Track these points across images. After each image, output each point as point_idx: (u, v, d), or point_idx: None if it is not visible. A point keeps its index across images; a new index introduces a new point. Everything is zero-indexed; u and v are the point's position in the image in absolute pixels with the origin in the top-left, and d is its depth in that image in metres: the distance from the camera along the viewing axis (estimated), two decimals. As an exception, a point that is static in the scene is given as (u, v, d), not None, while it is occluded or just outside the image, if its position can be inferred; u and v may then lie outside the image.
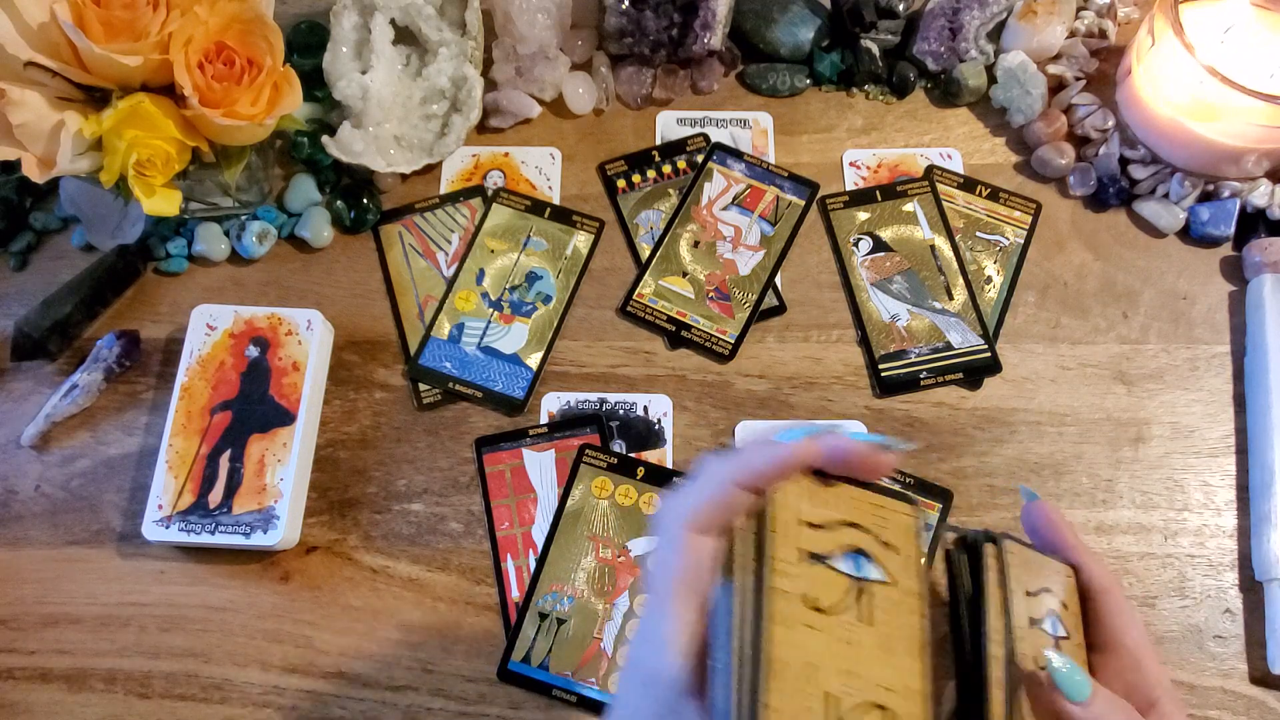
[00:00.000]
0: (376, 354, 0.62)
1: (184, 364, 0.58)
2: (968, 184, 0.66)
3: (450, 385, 0.60)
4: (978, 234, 0.65)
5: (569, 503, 0.57)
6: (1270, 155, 0.62)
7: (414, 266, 0.64)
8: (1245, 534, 0.56)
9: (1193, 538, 0.57)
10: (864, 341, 0.62)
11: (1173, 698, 0.34)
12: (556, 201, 0.66)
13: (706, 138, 0.68)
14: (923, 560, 0.33)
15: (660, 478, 0.57)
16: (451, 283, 0.63)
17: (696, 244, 0.64)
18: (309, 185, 0.66)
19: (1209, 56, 0.58)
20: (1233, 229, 0.63)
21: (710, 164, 0.67)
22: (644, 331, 0.62)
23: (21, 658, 0.54)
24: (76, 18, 0.51)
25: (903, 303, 0.62)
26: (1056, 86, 0.68)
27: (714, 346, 0.61)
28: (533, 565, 0.56)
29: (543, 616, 0.54)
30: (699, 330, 0.62)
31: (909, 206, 0.65)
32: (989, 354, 0.61)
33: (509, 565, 0.56)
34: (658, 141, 0.68)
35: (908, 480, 0.57)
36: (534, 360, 0.61)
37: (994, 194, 0.66)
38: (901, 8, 0.70)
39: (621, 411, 0.60)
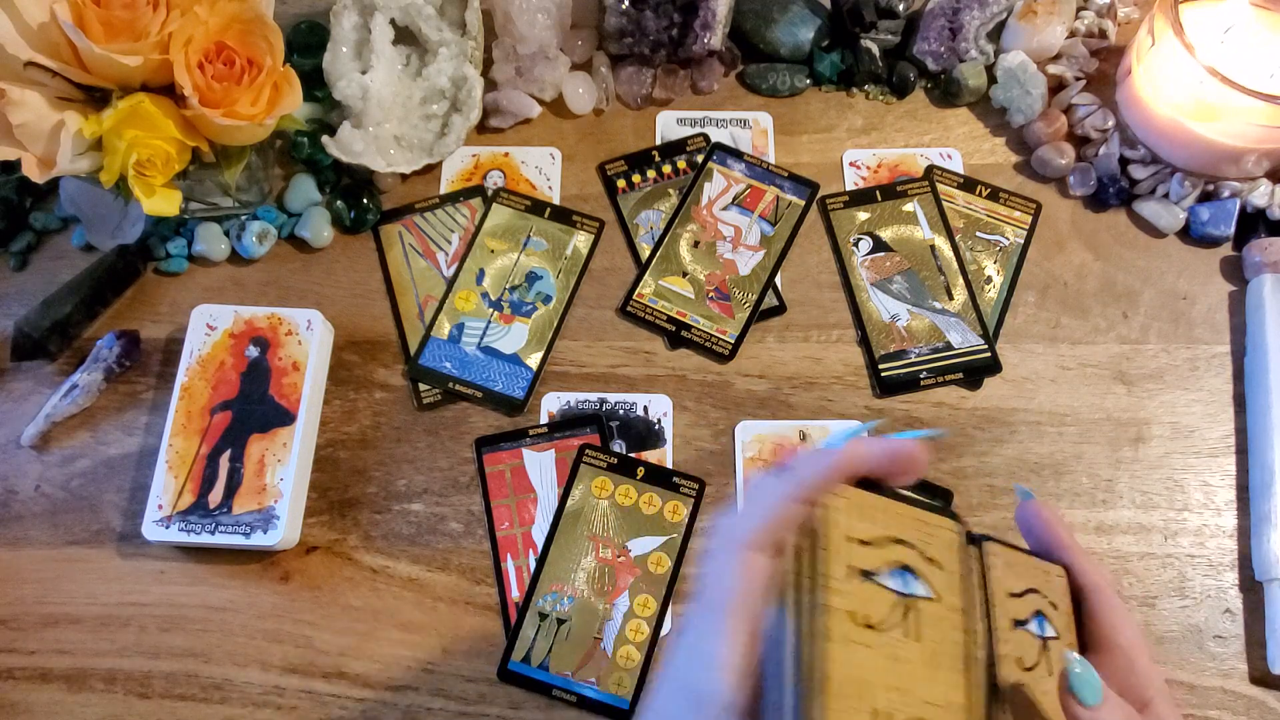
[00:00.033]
0: (376, 354, 0.62)
1: (184, 364, 0.58)
2: (968, 184, 0.66)
3: (450, 385, 0.60)
4: (978, 234, 0.65)
5: (569, 503, 0.57)
6: (1270, 155, 0.62)
7: (414, 266, 0.64)
8: (1245, 534, 0.56)
9: (1193, 538, 0.57)
10: (864, 341, 0.62)
11: (1166, 698, 0.34)
12: (556, 201, 0.66)
13: (706, 138, 0.68)
14: (965, 576, 0.33)
15: (660, 478, 0.57)
16: (451, 283, 0.63)
17: (696, 244, 0.64)
18: (309, 185, 0.66)
19: (1209, 56, 0.58)
20: (1233, 229, 0.63)
21: (710, 164, 0.67)
22: (644, 331, 0.62)
23: (21, 658, 0.55)
24: (76, 18, 0.51)
25: (903, 303, 0.62)
26: (1056, 86, 0.68)
27: (714, 346, 0.61)
28: (533, 565, 0.56)
29: (543, 616, 0.54)
30: (699, 330, 0.62)
31: (909, 206, 0.65)
32: (989, 354, 0.61)
33: (509, 565, 0.56)
34: (658, 141, 0.68)
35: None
36: (534, 360, 0.61)
37: (994, 194, 0.66)
38: (901, 8, 0.70)
39: (621, 411, 0.60)
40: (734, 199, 0.66)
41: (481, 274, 0.64)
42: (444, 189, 0.67)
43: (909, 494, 0.34)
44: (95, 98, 0.55)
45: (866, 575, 0.31)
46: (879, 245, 0.64)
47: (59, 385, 0.60)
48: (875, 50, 0.69)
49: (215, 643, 0.55)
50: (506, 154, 0.68)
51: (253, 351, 0.59)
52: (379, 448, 0.59)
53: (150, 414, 0.60)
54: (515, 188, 0.67)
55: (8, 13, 0.51)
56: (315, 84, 0.65)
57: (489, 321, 0.62)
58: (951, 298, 0.62)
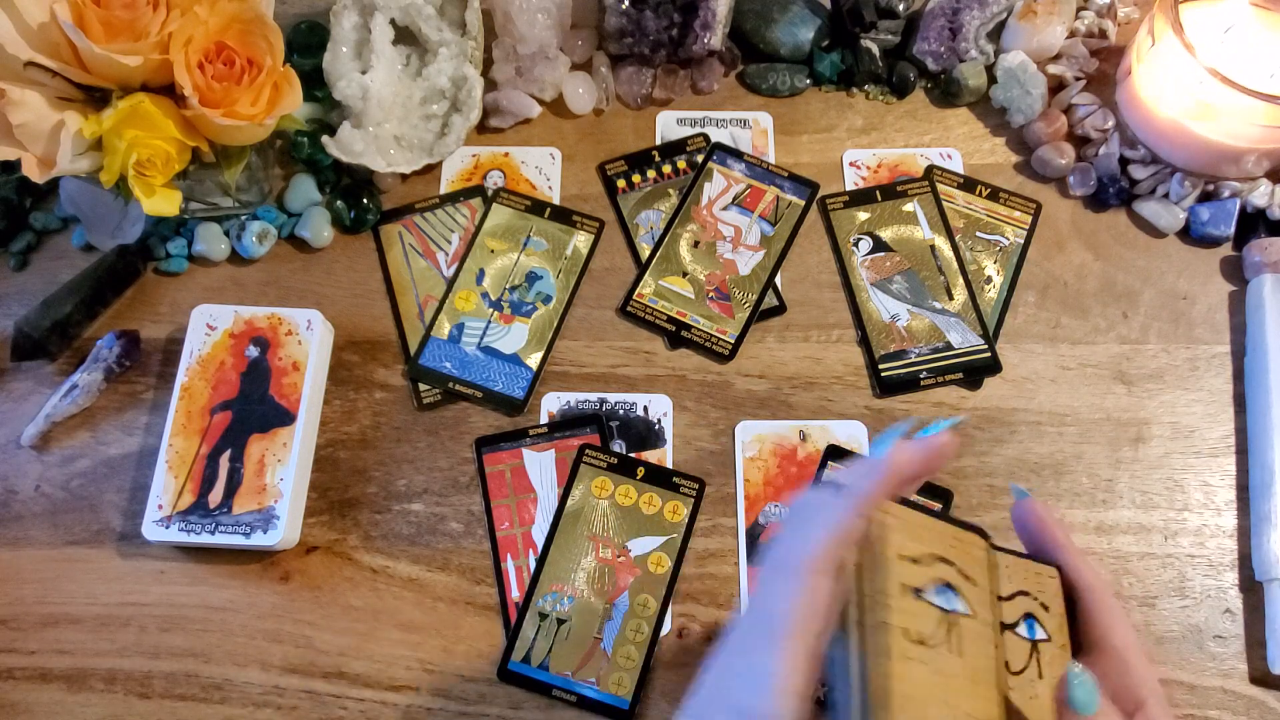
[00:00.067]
0: (376, 354, 0.62)
1: (184, 364, 0.58)
2: (968, 184, 0.66)
3: (450, 385, 0.60)
4: (978, 234, 0.65)
5: (569, 503, 0.57)
6: (1270, 155, 0.62)
7: (414, 266, 0.64)
8: (1245, 534, 0.56)
9: (1193, 538, 0.57)
10: (864, 341, 0.62)
11: (1160, 700, 0.34)
12: (556, 201, 0.66)
13: (706, 138, 0.68)
14: (995, 591, 0.34)
15: (660, 478, 0.57)
16: (451, 283, 0.63)
17: (696, 244, 0.64)
18: (309, 185, 0.66)
19: (1209, 57, 0.58)
20: (1233, 229, 0.63)
21: (710, 164, 0.67)
22: (644, 331, 0.62)
23: (21, 658, 0.55)
24: (76, 18, 0.51)
25: (903, 303, 0.62)
26: (1056, 86, 0.68)
27: (714, 346, 0.61)
28: (533, 565, 0.56)
29: (543, 616, 0.54)
30: (699, 330, 0.62)
31: (909, 206, 0.65)
32: (989, 354, 0.61)
33: (509, 565, 0.56)
34: (658, 141, 0.68)
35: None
36: (534, 360, 0.61)
37: (994, 194, 0.66)
38: (901, 8, 0.70)
39: (621, 411, 0.60)
40: (734, 199, 0.66)
41: (481, 274, 0.64)
42: (444, 189, 0.67)
43: (945, 512, 0.35)
44: (95, 98, 0.55)
45: (916, 593, 0.32)
46: (879, 245, 0.64)
47: (59, 385, 0.60)
48: (875, 50, 0.69)
49: (215, 643, 0.55)
50: (506, 154, 0.68)
51: (253, 351, 0.59)
52: (379, 448, 0.59)
53: (150, 414, 0.60)
54: (515, 188, 0.67)
55: (8, 13, 0.51)
56: (315, 84, 0.65)
57: (489, 321, 0.62)
58: (951, 298, 0.62)
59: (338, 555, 0.57)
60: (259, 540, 0.54)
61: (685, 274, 0.63)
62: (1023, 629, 0.35)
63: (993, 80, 0.68)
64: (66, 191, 0.64)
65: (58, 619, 0.55)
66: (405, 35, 0.67)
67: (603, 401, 0.60)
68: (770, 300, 0.63)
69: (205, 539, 0.54)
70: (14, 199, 0.65)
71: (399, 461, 0.59)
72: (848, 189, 0.66)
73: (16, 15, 0.51)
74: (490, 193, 0.66)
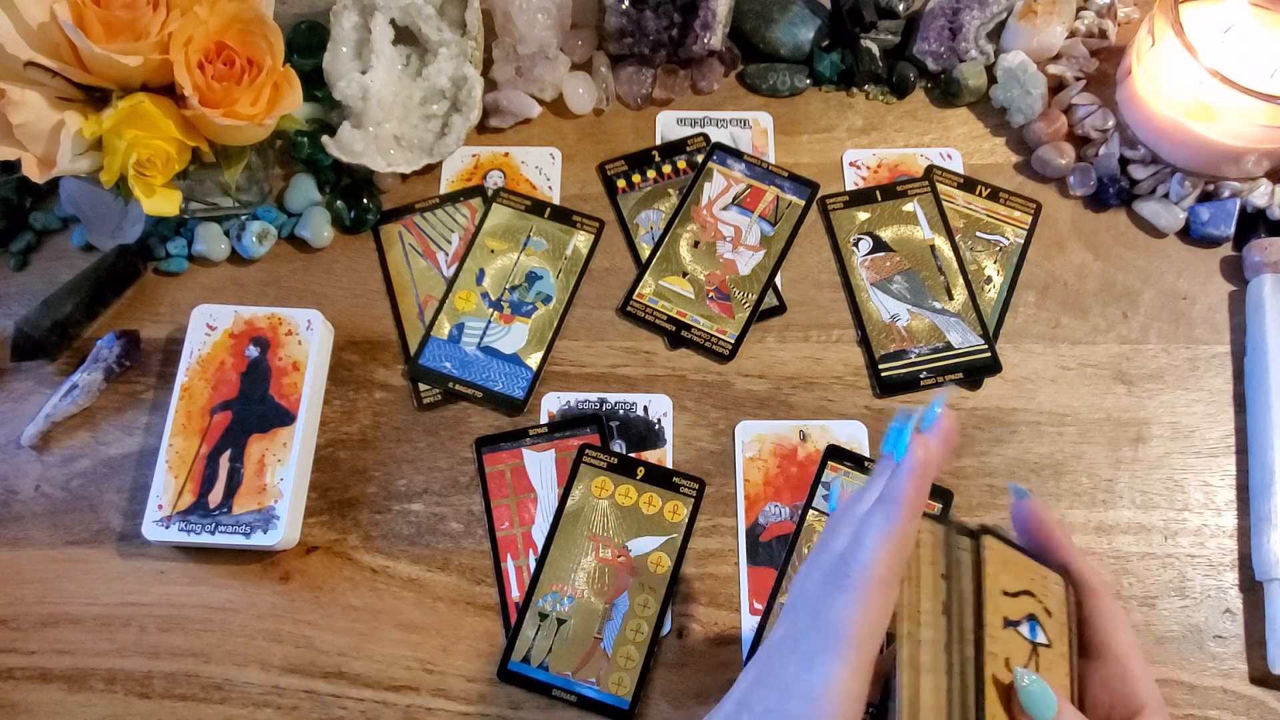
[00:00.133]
0: (376, 354, 0.62)
1: (184, 364, 0.58)
2: (968, 184, 0.66)
3: (450, 385, 0.60)
4: (978, 234, 0.65)
5: (569, 503, 0.57)
6: (1270, 155, 0.62)
7: (414, 266, 0.64)
8: (1245, 534, 0.56)
9: (1193, 538, 0.57)
10: (864, 341, 0.62)
11: (1158, 708, 0.34)
12: (556, 201, 0.66)
13: (706, 138, 0.68)
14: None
15: (660, 478, 0.57)
16: (451, 283, 0.63)
17: (696, 244, 0.64)
18: (309, 185, 0.66)
19: (1209, 57, 0.58)
20: (1233, 229, 0.63)
21: (710, 164, 0.67)
22: (644, 331, 0.62)
23: (21, 658, 0.55)
24: (76, 18, 0.51)
25: (903, 303, 0.62)
26: (1056, 86, 0.68)
27: (714, 346, 0.61)
28: (533, 565, 0.56)
29: (543, 616, 0.54)
30: (699, 330, 0.62)
31: (909, 206, 0.65)
32: (989, 354, 0.61)
33: (509, 565, 0.56)
34: (658, 141, 0.68)
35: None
36: (534, 360, 0.61)
37: (994, 194, 0.66)
38: (901, 8, 0.70)
39: (621, 411, 0.60)
40: (734, 199, 0.66)
41: (481, 274, 0.64)
42: (444, 189, 0.67)
43: (1031, 550, 0.38)
44: (95, 98, 0.55)
45: (1010, 624, 0.34)
46: (879, 245, 0.64)
47: (59, 385, 0.60)
48: (875, 50, 0.69)
49: (215, 643, 0.55)
50: (506, 154, 0.68)
51: (253, 351, 0.59)
52: (379, 448, 0.59)
53: (150, 414, 0.60)
54: (515, 188, 0.67)
55: (8, 13, 0.51)
56: (315, 84, 0.65)
57: (489, 321, 0.62)
58: (951, 298, 0.62)
59: (338, 555, 0.57)
60: (259, 540, 0.54)
61: (685, 274, 0.64)
62: (1025, 629, 0.35)
63: (993, 80, 0.68)
64: (66, 191, 0.64)
65: (58, 619, 0.55)
66: (405, 35, 0.67)
67: (603, 401, 0.60)
68: (770, 300, 0.63)
69: (205, 539, 0.54)
70: (14, 199, 0.65)
71: (399, 461, 0.59)
72: (848, 189, 0.66)
73: (16, 15, 0.51)
74: (490, 193, 0.66)
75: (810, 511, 0.57)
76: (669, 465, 0.58)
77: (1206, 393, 0.60)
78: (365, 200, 0.65)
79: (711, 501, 0.57)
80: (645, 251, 0.64)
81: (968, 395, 0.60)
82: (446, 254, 0.64)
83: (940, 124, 0.69)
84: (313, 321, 0.59)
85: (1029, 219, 0.65)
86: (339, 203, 0.65)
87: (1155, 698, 0.34)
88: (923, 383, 0.60)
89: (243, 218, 0.64)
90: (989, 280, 0.63)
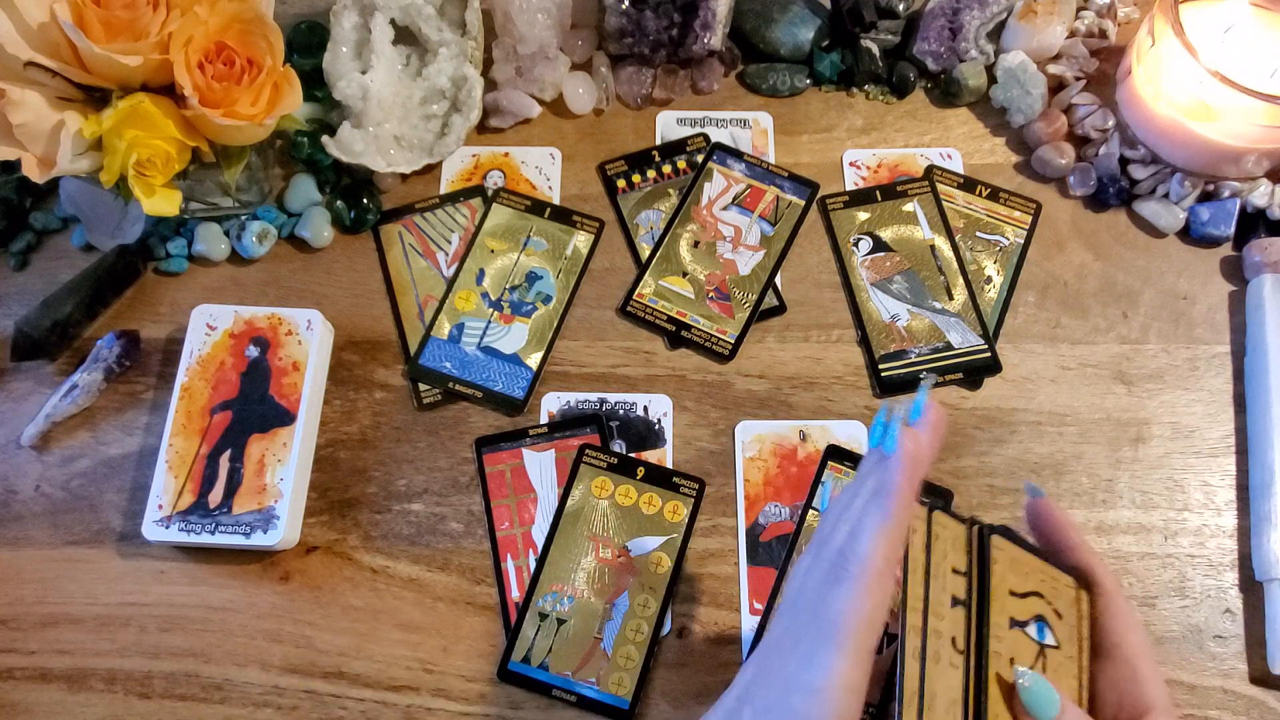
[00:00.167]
0: (376, 354, 0.62)
1: (184, 364, 0.58)
2: (968, 184, 0.66)
3: (450, 385, 0.60)
4: (978, 234, 0.65)
5: (569, 503, 0.57)
6: (1270, 155, 0.62)
7: (414, 266, 0.64)
8: (1245, 534, 0.56)
9: (1193, 538, 0.57)
10: (864, 341, 0.62)
11: (1166, 711, 0.34)
12: (556, 201, 0.66)
13: (706, 138, 0.68)
14: (1083, 626, 0.37)
15: (660, 478, 0.57)
16: (451, 283, 0.63)
17: (696, 244, 0.64)
18: (309, 185, 0.66)
19: (1209, 57, 0.58)
20: (1233, 229, 0.63)
21: (710, 164, 0.67)
22: (644, 331, 0.62)
23: (21, 658, 0.55)
24: (76, 18, 0.51)
25: (903, 303, 0.62)
26: (1056, 86, 0.68)
27: (714, 346, 0.61)
28: (533, 565, 0.56)
29: (543, 616, 0.54)
30: (699, 330, 0.62)
31: (909, 206, 0.65)
32: (989, 354, 0.61)
33: (509, 565, 0.56)
34: (658, 141, 0.68)
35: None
36: (534, 360, 0.61)
37: (994, 194, 0.66)
38: (901, 8, 0.70)
39: (621, 411, 0.60)
40: (734, 199, 0.66)
41: (481, 274, 0.64)
42: (444, 189, 0.67)
43: (1043, 550, 0.38)
44: (95, 98, 0.55)
45: (1017, 624, 0.35)
46: (879, 245, 0.64)
47: (59, 385, 0.60)
48: (875, 50, 0.69)
49: (215, 643, 0.55)
50: (506, 154, 0.68)
51: (253, 351, 0.59)
52: (379, 448, 0.59)
53: (150, 414, 0.60)
54: (515, 188, 0.67)
55: (8, 13, 0.51)
56: (315, 84, 0.65)
57: (489, 321, 0.62)
58: (951, 298, 0.62)
59: (338, 555, 0.57)
60: (259, 540, 0.54)
61: (685, 274, 0.63)
62: (1032, 630, 0.35)
63: (993, 80, 0.68)
64: (66, 191, 0.64)
65: (58, 619, 0.55)
66: (405, 35, 0.67)
67: (603, 401, 0.60)
68: (770, 300, 0.63)
69: (205, 539, 0.54)
70: (14, 199, 0.65)
71: (399, 461, 0.59)
72: (848, 189, 0.66)
73: (16, 15, 0.51)
74: (490, 193, 0.66)
75: (810, 511, 0.57)
76: (669, 465, 0.58)
77: (1206, 393, 0.60)
78: (365, 200, 0.65)
79: (711, 501, 0.57)
80: (645, 251, 0.64)
81: (968, 395, 0.60)
82: (446, 254, 0.64)
83: (940, 124, 0.69)
84: (313, 321, 0.59)
85: (1029, 219, 0.65)
86: (339, 203, 0.65)
87: (1164, 700, 0.34)
88: (922, 383, 0.60)
89: (243, 218, 0.64)
90: (989, 280, 0.63)
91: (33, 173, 0.53)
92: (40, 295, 0.62)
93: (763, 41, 0.69)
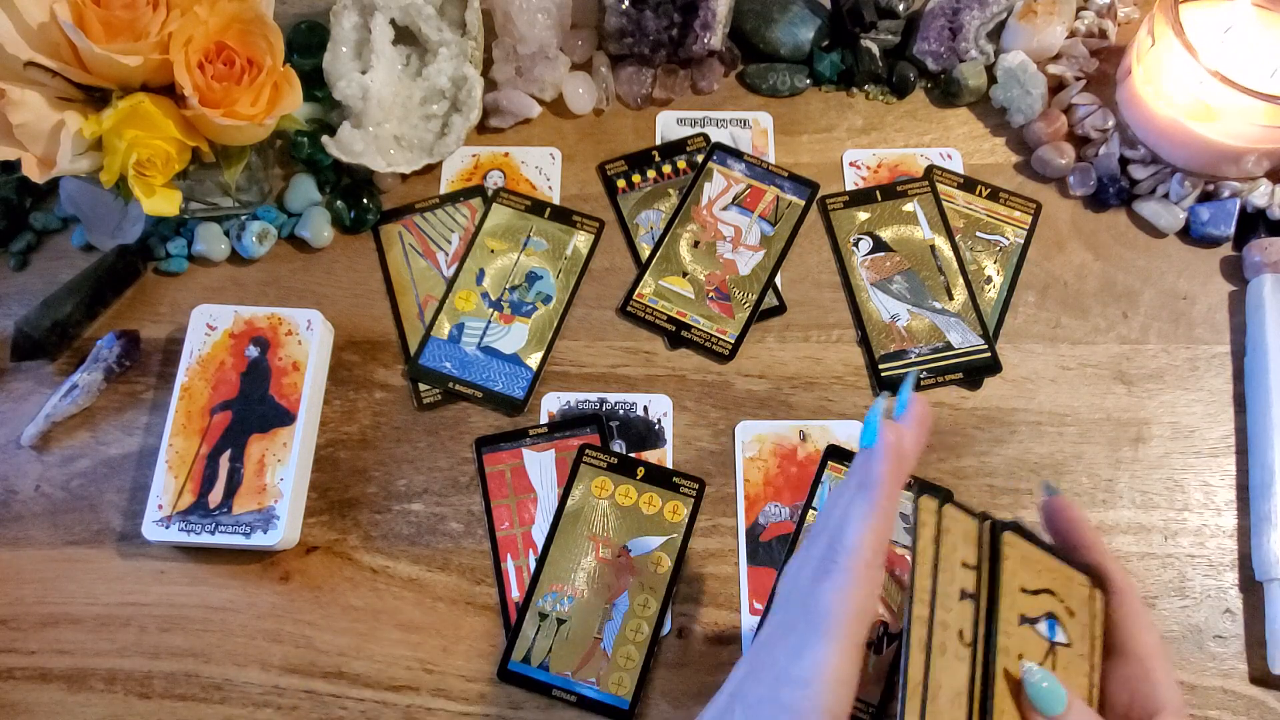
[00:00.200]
0: (376, 354, 0.62)
1: (184, 364, 0.58)
2: (968, 184, 0.66)
3: (450, 385, 0.60)
4: (978, 234, 0.65)
5: (569, 503, 0.57)
6: (1270, 155, 0.62)
7: (414, 266, 0.64)
8: (1245, 534, 0.56)
9: (1193, 538, 0.57)
10: (864, 341, 0.62)
11: (1177, 712, 0.34)
12: (556, 201, 0.66)
13: (706, 138, 0.68)
14: (1096, 625, 0.37)
15: (660, 478, 0.57)
16: (451, 283, 0.63)
17: (696, 244, 0.64)
18: (309, 185, 0.66)
19: (1210, 57, 0.58)
20: (1233, 229, 0.63)
21: (710, 164, 0.67)
22: (644, 331, 0.62)
23: (21, 658, 0.55)
24: (76, 18, 0.51)
25: (903, 303, 0.62)
26: (1056, 86, 0.68)
27: (714, 346, 0.61)
28: (533, 565, 0.56)
29: (543, 616, 0.54)
30: (699, 330, 0.62)
31: (909, 206, 0.65)
32: (989, 354, 0.61)
33: (509, 565, 0.56)
34: (658, 141, 0.68)
35: (909, 482, 0.57)
36: (534, 360, 0.61)
37: (994, 194, 0.66)
38: (901, 8, 0.70)
39: (621, 411, 0.60)
40: (734, 199, 0.66)
41: (481, 274, 0.64)
42: (444, 189, 0.67)
43: (1057, 548, 0.38)
44: (95, 98, 0.55)
45: (1027, 621, 0.35)
46: (879, 245, 0.64)
47: (59, 385, 0.60)
48: (875, 50, 0.69)
49: (215, 643, 0.55)
50: (506, 154, 0.68)
51: (253, 351, 0.59)
52: (379, 448, 0.59)
53: (150, 414, 0.60)
54: (515, 188, 0.67)
55: (8, 13, 0.51)
56: (315, 84, 0.65)
57: (489, 321, 0.62)
58: (951, 298, 0.62)
59: (338, 555, 0.57)
60: (259, 540, 0.54)
61: (685, 274, 0.63)
62: (1043, 627, 0.35)
63: (993, 80, 0.68)
64: (66, 191, 0.64)
65: (58, 619, 0.55)
66: (405, 35, 0.67)
67: (603, 401, 0.60)
68: (770, 300, 0.63)
69: (205, 539, 0.54)
70: (14, 199, 0.65)
71: (399, 461, 0.59)
72: (848, 189, 0.66)
73: (16, 15, 0.51)
74: (490, 193, 0.66)
75: (810, 511, 0.57)
76: (669, 465, 0.58)
77: (1206, 393, 0.60)
78: (365, 200, 0.65)
79: (711, 501, 0.57)
80: (645, 251, 0.64)
81: (968, 395, 0.60)
82: (446, 254, 0.64)
83: (940, 124, 0.69)
84: (313, 321, 0.59)
85: (1029, 219, 0.65)
86: (339, 203, 0.65)
87: (1176, 701, 0.34)
88: (923, 383, 0.60)
89: (243, 218, 0.64)
90: (989, 280, 0.63)
91: (33, 173, 0.53)
92: (40, 295, 0.62)
93: (763, 41, 0.69)
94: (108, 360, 0.60)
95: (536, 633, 0.54)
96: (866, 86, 0.70)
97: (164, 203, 0.56)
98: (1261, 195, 0.63)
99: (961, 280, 0.63)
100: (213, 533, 0.54)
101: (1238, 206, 0.63)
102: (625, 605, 0.54)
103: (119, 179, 0.54)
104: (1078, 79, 0.68)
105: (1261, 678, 0.53)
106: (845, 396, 0.60)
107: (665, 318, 0.62)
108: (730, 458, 0.58)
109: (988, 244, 0.64)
